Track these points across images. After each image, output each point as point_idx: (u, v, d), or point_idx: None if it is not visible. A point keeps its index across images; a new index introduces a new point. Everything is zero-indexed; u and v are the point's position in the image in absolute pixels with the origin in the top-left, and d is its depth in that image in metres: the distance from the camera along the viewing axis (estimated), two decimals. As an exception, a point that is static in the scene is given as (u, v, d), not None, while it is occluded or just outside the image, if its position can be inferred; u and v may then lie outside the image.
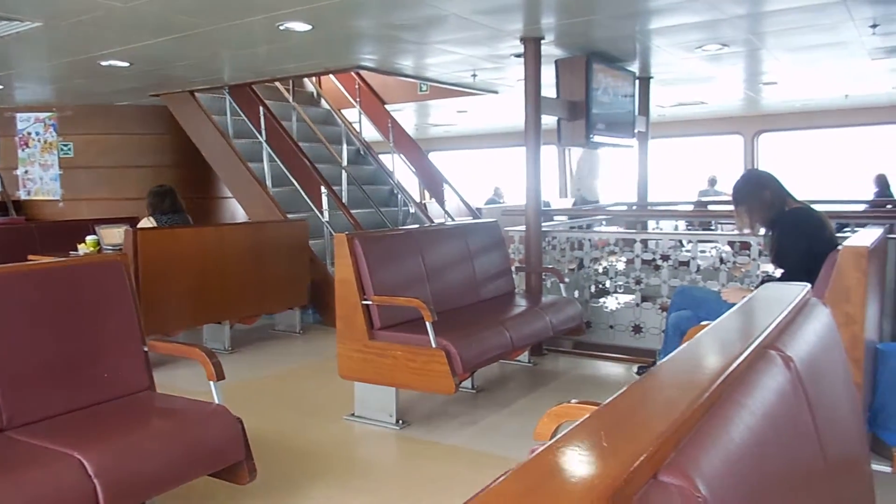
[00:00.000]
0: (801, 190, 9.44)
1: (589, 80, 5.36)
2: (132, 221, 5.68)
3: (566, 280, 5.22)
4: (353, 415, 3.80)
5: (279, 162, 7.13)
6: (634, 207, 7.00)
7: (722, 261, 4.82)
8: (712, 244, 5.54)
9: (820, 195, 8.19)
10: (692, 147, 12.41)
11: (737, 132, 10.83)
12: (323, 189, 6.78)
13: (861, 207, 7.09)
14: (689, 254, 4.93)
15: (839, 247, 2.69)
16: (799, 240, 3.12)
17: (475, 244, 4.64)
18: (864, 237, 2.82)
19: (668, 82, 7.26)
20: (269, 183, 7.02)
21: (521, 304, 4.57)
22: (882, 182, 9.27)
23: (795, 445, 0.94)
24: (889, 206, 6.87)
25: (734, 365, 0.87)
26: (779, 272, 3.35)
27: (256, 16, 4.31)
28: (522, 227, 5.21)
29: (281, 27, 4.55)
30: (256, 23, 4.47)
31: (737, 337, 1.02)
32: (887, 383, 3.05)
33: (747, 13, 4.52)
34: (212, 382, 2.51)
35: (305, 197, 6.98)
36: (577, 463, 0.60)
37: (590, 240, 5.46)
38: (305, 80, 8.81)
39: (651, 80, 6.76)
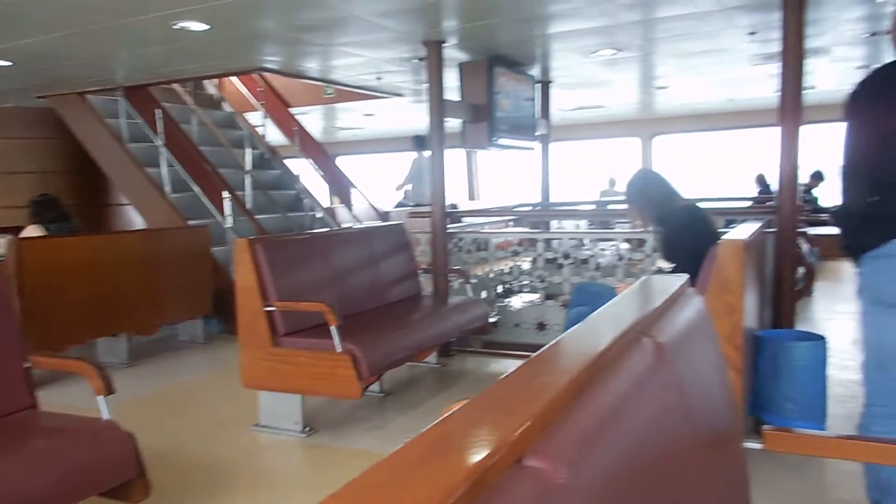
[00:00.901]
0: (691, 188, 9.95)
1: (491, 83, 5.47)
2: (18, 231, 5.33)
3: (472, 281, 5.31)
4: (258, 425, 3.71)
5: (178, 166, 6.88)
6: (538, 208, 7.18)
7: (621, 258, 5.04)
8: (612, 242, 5.75)
9: (709, 193, 8.69)
10: (593, 149, 12.87)
11: (634, 134, 11.32)
12: (225, 194, 6.59)
13: (746, 204, 7.55)
14: (588, 252, 5.10)
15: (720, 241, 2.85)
16: (685, 235, 3.29)
17: (381, 247, 4.63)
18: (742, 231, 3.00)
19: (567, 86, 7.50)
20: (168, 188, 6.76)
21: (428, 305, 4.60)
22: (762, 181, 9.93)
23: (666, 427, 0.99)
24: (769, 203, 7.34)
25: (605, 351, 0.91)
26: (670, 267, 3.52)
27: (149, 13, 4.14)
28: (429, 230, 5.24)
29: (175, 26, 4.40)
30: (150, 21, 4.30)
31: (612, 325, 1.07)
32: (766, 368, 3.27)
33: (638, 20, 4.73)
34: (100, 397, 2.39)
35: (207, 202, 6.76)
36: (441, 452, 0.61)
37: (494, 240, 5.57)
38: (206, 82, 8.54)
39: (551, 84, 6.97)
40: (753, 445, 1.54)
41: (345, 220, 8.67)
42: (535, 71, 6.42)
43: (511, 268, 5.71)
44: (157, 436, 3.61)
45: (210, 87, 8.71)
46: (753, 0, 4.15)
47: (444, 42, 4.93)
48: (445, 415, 0.70)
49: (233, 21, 4.39)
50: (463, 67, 5.51)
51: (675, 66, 6.58)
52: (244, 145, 7.99)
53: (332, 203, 9.19)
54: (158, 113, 6.89)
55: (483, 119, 5.47)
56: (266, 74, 7.70)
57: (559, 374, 0.81)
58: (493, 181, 13.41)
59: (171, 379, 4.86)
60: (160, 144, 6.84)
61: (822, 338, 3.36)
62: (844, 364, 4.59)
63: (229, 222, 6.50)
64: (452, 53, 5.34)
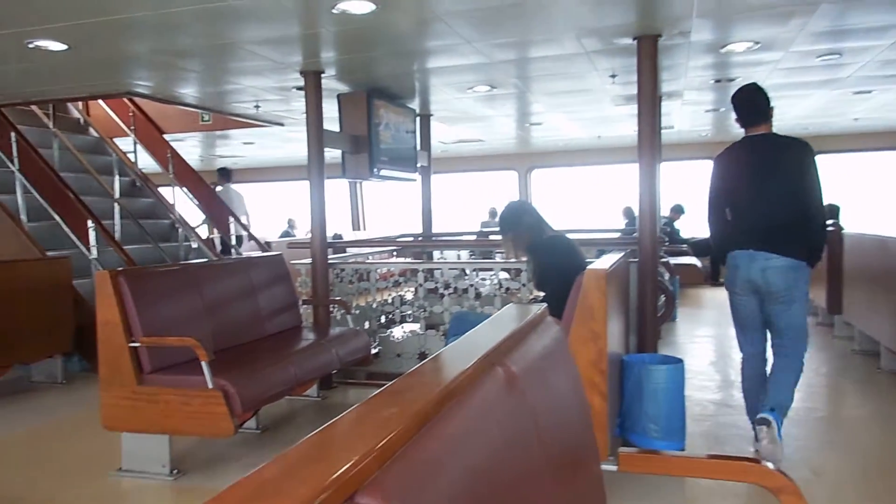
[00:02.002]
0: (566, 220, 10.40)
1: (371, 115, 5.51)
2: None
3: (355, 311, 5.27)
4: (120, 469, 3.47)
5: (36, 193, 6.41)
6: (420, 239, 7.27)
7: (500, 287, 5.20)
8: (491, 272, 5.90)
9: (582, 225, 9.14)
10: (474, 181, 13.22)
11: (512, 168, 11.74)
12: (90, 223, 6.20)
13: (615, 235, 8.00)
14: (467, 281, 5.22)
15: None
16: (554, 265, 3.44)
17: (259, 278, 4.51)
18: (605, 261, 3.18)
19: (447, 120, 7.70)
20: (23, 217, 6.27)
21: (308, 337, 4.51)
22: (629, 213, 10.57)
23: (518, 455, 1.02)
24: (635, 235, 7.83)
25: (454, 381, 0.94)
26: (541, 295, 3.66)
27: (2, 30, 3.88)
28: (309, 260, 5.17)
29: (31, 45, 4.14)
30: (2, 38, 4.02)
31: (465, 355, 1.10)
32: (631, 391, 3.46)
33: (510, 59, 4.95)
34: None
35: (69, 232, 6.33)
36: (272, 488, 0.61)
37: (377, 271, 5.57)
38: (70, 104, 8.05)
39: (431, 118, 7.12)
40: (610, 468, 1.62)
41: (224, 250, 8.38)
42: (416, 104, 6.55)
43: (393, 298, 5.73)
44: (5, 488, 3.30)
45: (74, 110, 8.21)
46: (613, 46, 4.45)
47: (322, 72, 4.93)
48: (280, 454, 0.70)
49: (96, 42, 4.19)
50: (342, 99, 5.53)
51: (547, 104, 6.92)
52: (112, 172, 7.58)
53: (210, 233, 8.87)
54: (13, 136, 6.41)
55: (363, 150, 5.50)
56: (137, 99, 7.37)
57: (405, 406, 0.83)
58: (379, 212, 13.45)
59: (23, 422, 4.47)
60: (15, 169, 6.35)
61: (680, 361, 3.59)
62: (703, 385, 4.94)
63: (94, 253, 6.11)
64: (332, 84, 5.35)
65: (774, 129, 3.55)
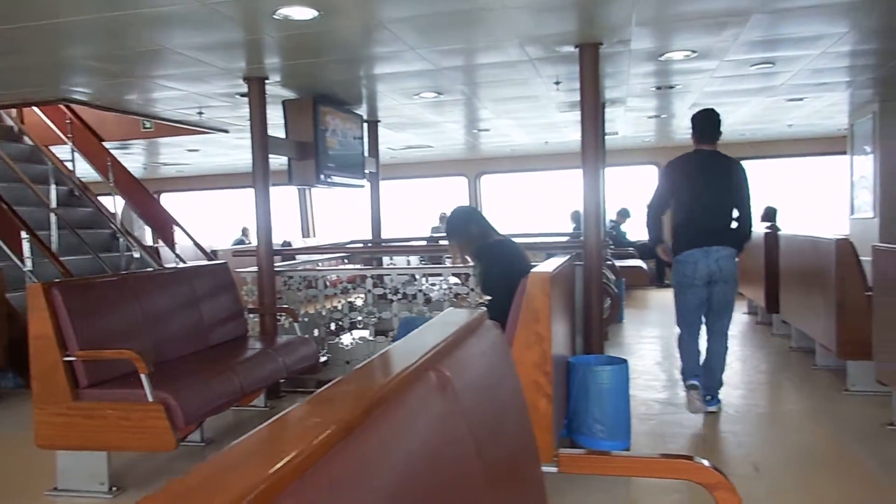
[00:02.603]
0: (514, 225, 10.51)
1: (317, 121, 5.47)
2: None
3: (304, 319, 5.21)
4: (55, 489, 3.34)
5: (-35, 204, 6.14)
6: (369, 245, 7.23)
7: (450, 292, 5.22)
8: (441, 277, 5.92)
9: (531, 229, 9.24)
10: (424, 187, 13.24)
11: (461, 173, 11.79)
12: (24, 234, 5.96)
13: (563, 239, 8.10)
14: (415, 287, 5.21)
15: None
16: (500, 269, 3.46)
17: (203, 288, 4.42)
18: (549, 265, 3.22)
19: (395, 126, 7.69)
20: (-50, 228, 6.00)
21: (254, 346, 4.43)
22: (577, 217, 10.73)
23: (452, 460, 1.02)
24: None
25: (384, 388, 0.94)
26: (487, 299, 3.68)
27: (-77, 34, 3.72)
28: (255, 268, 5.09)
29: (-43, 50, 3.98)
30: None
31: (399, 361, 1.10)
32: (577, 392, 3.50)
33: (455, 66, 4.98)
34: None
35: (1, 244, 6.08)
36: (188, 499, 0.60)
37: (325, 278, 5.52)
38: (3, 112, 7.74)
39: (379, 124, 7.11)
40: (551, 469, 1.63)
41: (168, 260, 8.17)
42: (363, 110, 6.52)
43: (342, 305, 5.68)
44: (-71, 512, 3.15)
45: (7, 117, 7.91)
46: (555, 53, 4.52)
47: (266, 79, 4.87)
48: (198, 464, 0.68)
49: (28, 47, 4.05)
50: (287, 105, 5.47)
51: (494, 110, 6.98)
52: (49, 181, 7.31)
53: (154, 242, 8.64)
54: (-60, 144, 6.14)
55: (309, 157, 5.45)
56: (75, 105, 7.14)
57: (331, 414, 0.82)
58: (330, 218, 13.33)
59: (-49, 445, 4.27)
60: (-58, 179, 6.08)
61: (624, 361, 3.66)
62: (648, 384, 5.04)
63: (28, 265, 5.89)
64: (276, 90, 5.29)
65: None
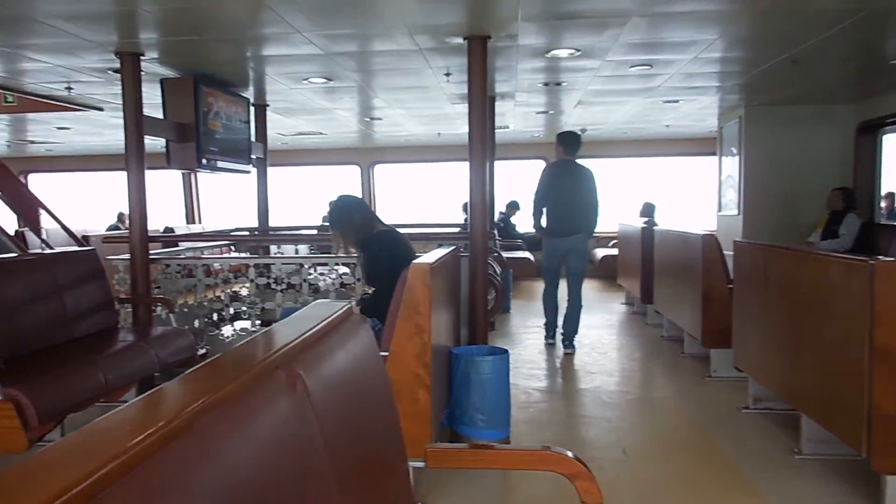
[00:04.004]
0: (407, 215, 10.46)
1: (198, 102, 5.22)
2: None
3: (183, 310, 4.98)
4: None
5: None
6: (256, 233, 7.01)
7: (339, 282, 5.15)
8: (328, 267, 5.82)
9: (424, 220, 9.27)
10: (318, 175, 12.97)
11: (354, 162, 11.65)
12: None
13: (456, 230, 8.16)
14: (300, 277, 5.10)
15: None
16: (384, 260, 3.44)
17: (67, 276, 4.12)
18: (431, 256, 3.23)
19: (285, 111, 7.47)
20: None
21: (125, 339, 4.19)
22: (468, 209, 10.88)
23: (296, 462, 0.98)
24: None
25: (225, 387, 0.89)
26: (371, 290, 3.66)
27: None
28: (128, 255, 4.80)
29: None
30: None
31: (247, 358, 1.05)
32: (459, 383, 3.54)
33: (344, 52, 4.89)
34: None
35: None
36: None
37: (205, 266, 5.30)
38: None
39: (267, 108, 6.88)
40: (417, 464, 1.63)
41: (35, 246, 7.56)
42: (250, 93, 6.29)
43: (225, 294, 5.47)
44: None
45: None
46: (445, 45, 4.53)
47: (141, 55, 4.58)
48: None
49: None
50: (165, 84, 5.18)
51: (387, 99, 6.93)
52: None
53: (20, 227, 7.97)
54: None
55: (190, 139, 5.19)
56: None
57: (160, 415, 0.77)
58: (217, 205, 12.80)
59: None
60: None
61: (505, 352, 3.74)
62: (531, 373, 5.18)
63: None
64: (154, 68, 5.00)
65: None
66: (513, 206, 11.00)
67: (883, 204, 7.76)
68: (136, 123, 4.53)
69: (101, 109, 7.04)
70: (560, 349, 5.89)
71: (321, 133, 9.62)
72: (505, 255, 8.60)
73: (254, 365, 1.00)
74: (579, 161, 5.86)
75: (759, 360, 3.92)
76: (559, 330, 5.91)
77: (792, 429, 3.54)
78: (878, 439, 2.62)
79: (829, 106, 7.33)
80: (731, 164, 8.07)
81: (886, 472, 2.67)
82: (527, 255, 9.97)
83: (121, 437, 0.70)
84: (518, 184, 11.47)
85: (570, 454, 1.59)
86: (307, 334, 1.23)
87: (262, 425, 0.91)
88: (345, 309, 1.52)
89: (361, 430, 1.34)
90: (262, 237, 6.96)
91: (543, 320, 6.04)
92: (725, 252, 4.84)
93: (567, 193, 5.66)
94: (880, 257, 2.69)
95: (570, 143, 5.81)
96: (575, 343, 5.86)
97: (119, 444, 0.67)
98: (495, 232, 8.32)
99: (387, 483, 1.44)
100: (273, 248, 7.22)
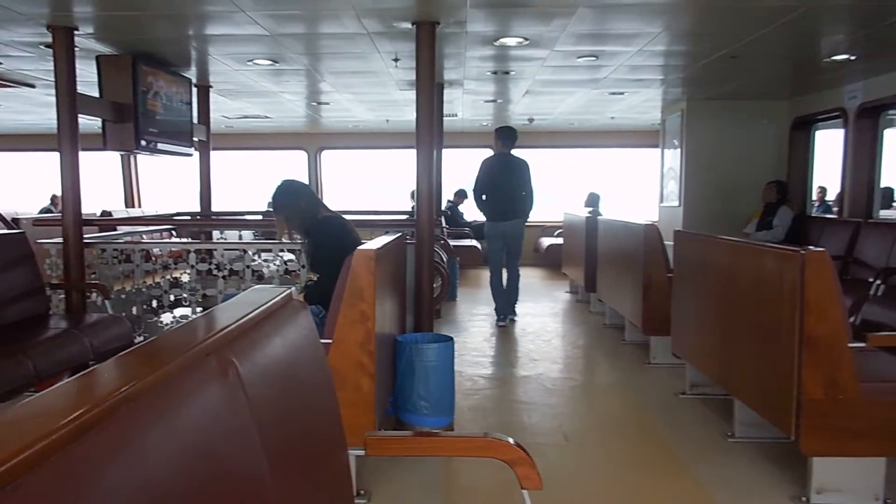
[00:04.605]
0: (355, 202, 10.39)
1: (137, 81, 5.04)
2: None
3: (120, 296, 4.82)
4: None
5: None
6: (198, 217, 6.83)
7: (284, 268, 5.07)
8: (272, 253, 5.72)
9: (372, 207, 9.20)
10: (265, 159, 12.71)
11: (302, 147, 11.46)
12: None
13: (403, 217, 8.13)
14: (243, 263, 5.00)
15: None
16: (328, 246, 3.39)
17: (-7, 260, 3.93)
18: (376, 242, 3.20)
19: (229, 93, 7.28)
20: None
21: (57, 326, 4.03)
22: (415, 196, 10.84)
23: (226, 451, 0.95)
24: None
25: (151, 375, 0.86)
26: (316, 277, 3.60)
27: None
28: (60, 239, 4.62)
29: None
30: None
31: (177, 345, 1.02)
32: (404, 370, 3.53)
33: (290, 33, 4.78)
34: None
35: None
36: None
37: (143, 252, 5.14)
38: None
39: (210, 89, 6.70)
40: (357, 452, 1.61)
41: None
42: (192, 73, 6.11)
43: (164, 281, 5.32)
44: None
45: None
46: (393, 29, 4.48)
47: (76, 29, 4.39)
48: None
49: None
50: (101, 61, 4.98)
51: (334, 83, 6.82)
52: None
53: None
54: None
55: (127, 119, 5.01)
56: None
57: (82, 401, 0.73)
58: (160, 188, 12.42)
59: None
60: None
61: (450, 339, 3.74)
62: (476, 360, 5.21)
63: None
64: (90, 44, 4.80)
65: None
66: (461, 195, 11.02)
67: (815, 197, 8.07)
68: (69, 102, 4.34)
69: (32, 86, 6.74)
70: (507, 329, 6.35)
71: (267, 117, 9.43)
72: (452, 243, 8.61)
73: (183, 351, 0.96)
74: (523, 151, 6.51)
75: (696, 346, 4.03)
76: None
77: (726, 413, 3.66)
78: (806, 423, 2.73)
79: (766, 101, 7.57)
80: (673, 157, 8.26)
81: (813, 453, 2.78)
82: (474, 243, 10.01)
83: (34, 426, 0.66)
84: (466, 172, 11.49)
85: (511, 441, 1.60)
86: (242, 320, 1.20)
87: (189, 415, 0.88)
88: (283, 295, 1.49)
89: (298, 418, 1.32)
90: (204, 222, 6.79)
91: (489, 307, 6.18)
92: (667, 242, 4.95)
93: (503, 183, 6.25)
94: (811, 247, 2.79)
95: (506, 137, 6.29)
96: (516, 319, 6.63)
97: (31, 433, 0.64)
98: (443, 220, 8.32)
99: (325, 472, 1.42)
100: (216, 234, 7.07)
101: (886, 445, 2.74)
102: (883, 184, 6.97)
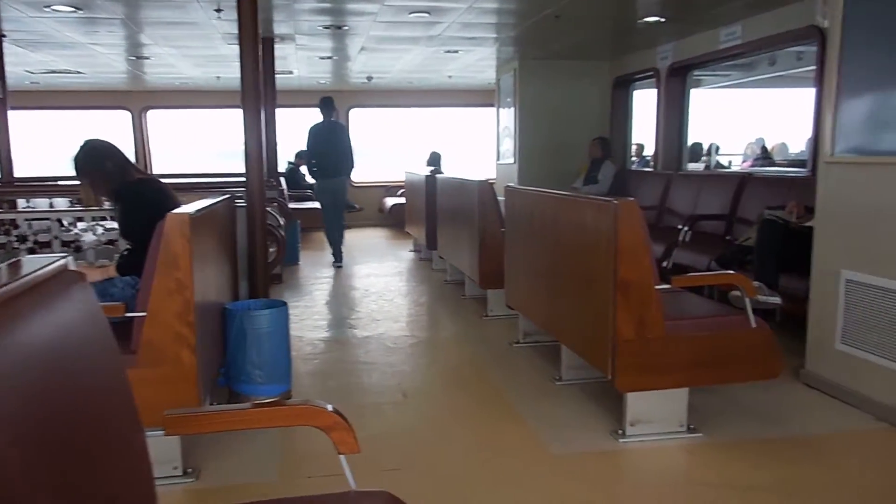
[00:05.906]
0: (186, 165, 9.78)
1: None
2: None
3: None
4: None
5: None
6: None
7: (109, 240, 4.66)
8: (92, 222, 5.23)
9: (206, 169, 8.70)
10: (84, 120, 11.58)
11: (124, 106, 10.55)
12: None
13: (241, 180, 7.75)
14: (51, 234, 4.54)
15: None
16: (142, 211, 3.12)
17: None
18: (192, 206, 2.99)
19: (27, 43, 6.50)
20: None
21: None
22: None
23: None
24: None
25: None
26: (128, 245, 3.33)
27: None
28: None
29: None
30: None
31: None
32: (235, 339, 3.38)
33: (91, -22, 4.32)
34: None
35: None
36: None
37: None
38: None
39: (4, 39, 5.93)
40: (155, 433, 1.50)
41: None
42: (-24, 20, 5.37)
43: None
44: None
45: None
46: (208, -24, 4.17)
47: None
48: None
49: None
50: None
51: (153, 35, 6.29)
52: None
53: None
54: None
55: None
56: None
57: None
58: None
59: None
60: None
61: (284, 304, 3.63)
62: (317, 324, 5.13)
63: None
64: None
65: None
66: (301, 156, 10.69)
67: (633, 152, 8.66)
68: None
69: None
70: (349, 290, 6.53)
71: (79, 72, 8.55)
72: (294, 206, 8.37)
73: None
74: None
75: (527, 297, 4.21)
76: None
77: (554, 359, 3.86)
78: (620, 362, 2.93)
79: (590, 62, 7.95)
80: (508, 116, 8.50)
81: (627, 389, 3.00)
82: (316, 205, 9.78)
83: None
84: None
85: (329, 407, 1.56)
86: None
87: None
88: (56, 265, 1.33)
89: (75, 404, 1.19)
90: (3, 189, 6.07)
91: (332, 271, 6.11)
92: (501, 198, 5.08)
93: (328, 146, 7.26)
94: (622, 198, 2.96)
95: (325, 106, 7.32)
96: (342, 265, 7.60)
97: None
98: (282, 181, 8.04)
99: (116, 457, 1.30)
100: (21, 202, 6.35)
101: (687, 377, 3.02)
102: (692, 140, 7.61)
